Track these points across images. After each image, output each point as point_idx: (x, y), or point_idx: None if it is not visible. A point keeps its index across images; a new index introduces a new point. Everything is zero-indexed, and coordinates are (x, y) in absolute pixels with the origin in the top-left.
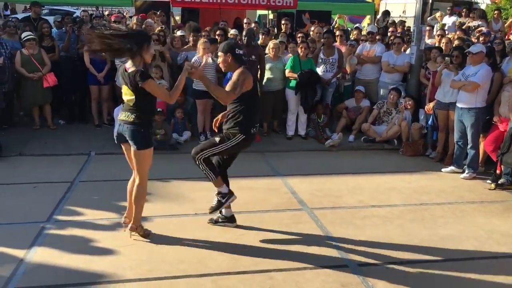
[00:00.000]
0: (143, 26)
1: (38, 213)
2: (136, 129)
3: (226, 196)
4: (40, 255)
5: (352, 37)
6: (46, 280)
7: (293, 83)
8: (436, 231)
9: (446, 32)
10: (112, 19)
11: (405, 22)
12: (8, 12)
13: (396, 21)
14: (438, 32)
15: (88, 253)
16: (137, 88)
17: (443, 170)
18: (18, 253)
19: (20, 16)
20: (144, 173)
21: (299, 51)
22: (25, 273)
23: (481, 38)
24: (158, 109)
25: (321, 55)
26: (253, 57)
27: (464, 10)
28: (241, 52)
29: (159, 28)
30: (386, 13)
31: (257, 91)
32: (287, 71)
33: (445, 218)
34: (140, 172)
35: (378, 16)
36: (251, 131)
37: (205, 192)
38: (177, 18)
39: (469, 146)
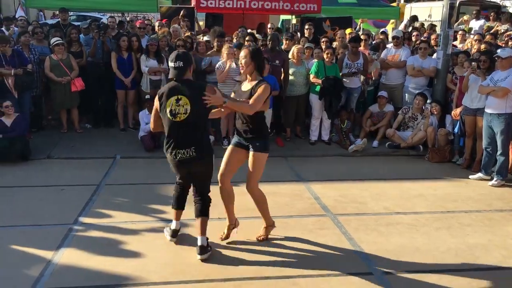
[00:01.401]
0: (171, 30)
1: (65, 215)
2: None
3: None
4: (67, 256)
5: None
6: (73, 281)
7: (317, 88)
8: (463, 240)
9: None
10: (137, 25)
11: (435, 26)
12: (43, 19)
13: (425, 25)
14: (475, 37)
15: (114, 255)
16: None
17: (470, 177)
18: (46, 254)
19: (49, 22)
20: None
21: (325, 56)
22: (53, 274)
23: (510, 42)
24: None
25: (346, 60)
26: (277, 61)
27: (492, 14)
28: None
29: (187, 34)
30: (414, 18)
31: None
32: (311, 77)
33: (473, 226)
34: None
35: (405, 22)
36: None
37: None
38: (201, 23)
39: (498, 153)
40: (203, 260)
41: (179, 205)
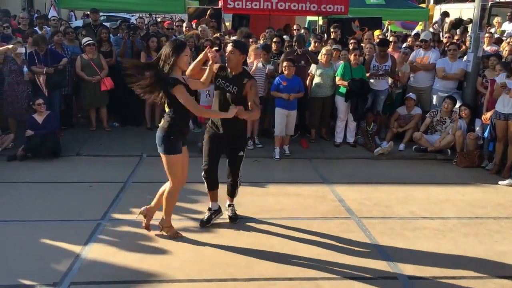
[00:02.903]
0: (199, 30)
1: (93, 211)
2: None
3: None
4: (95, 251)
5: (407, 43)
6: (100, 276)
7: (343, 89)
8: (492, 247)
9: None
10: (166, 26)
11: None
12: (74, 19)
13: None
14: (508, 40)
15: (140, 252)
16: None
17: (500, 183)
18: (75, 248)
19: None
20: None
21: (351, 58)
22: (81, 268)
23: None
24: None
25: (374, 62)
26: (302, 62)
27: None
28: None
29: (216, 35)
30: (445, 14)
31: None
32: (337, 79)
33: (502, 233)
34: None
35: (436, 19)
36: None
37: (251, 197)
38: (228, 24)
39: None
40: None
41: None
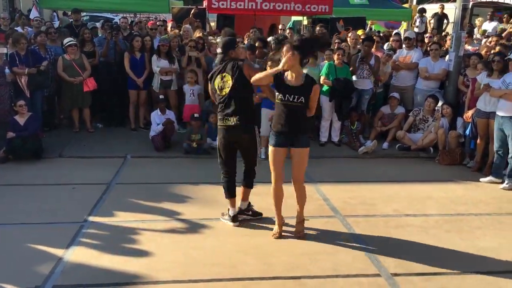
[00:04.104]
0: (181, 31)
1: (76, 213)
2: None
3: None
4: (77, 254)
5: (390, 44)
6: (83, 279)
7: (326, 89)
8: (473, 243)
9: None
10: (149, 26)
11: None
12: (56, 19)
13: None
14: (489, 39)
15: (124, 254)
16: None
17: (481, 180)
18: (57, 251)
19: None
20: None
21: (335, 58)
22: (63, 271)
23: None
24: (195, 115)
25: (359, 60)
26: None
27: (505, 16)
28: None
29: (200, 34)
30: (422, 10)
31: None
32: (322, 78)
33: (483, 229)
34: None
35: (415, 17)
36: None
37: (237, 196)
38: (212, 24)
39: (510, 156)
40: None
41: (232, 194)
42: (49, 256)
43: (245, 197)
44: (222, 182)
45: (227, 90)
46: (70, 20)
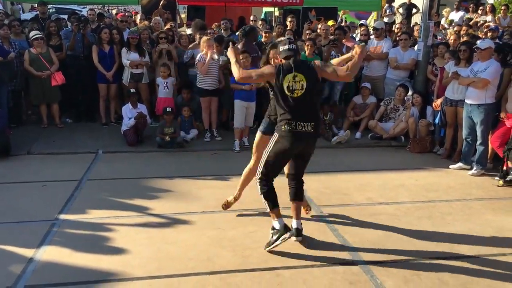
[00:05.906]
0: (151, 23)
1: (47, 211)
2: None
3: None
4: (49, 253)
5: (358, 35)
6: (56, 278)
7: None
8: (444, 229)
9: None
10: (119, 18)
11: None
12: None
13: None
14: (455, 29)
15: (97, 252)
16: None
17: (451, 167)
18: (28, 251)
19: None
20: None
21: (305, 48)
22: (35, 271)
23: (489, 34)
24: (168, 109)
25: (332, 52)
26: (259, 53)
27: (471, 5)
28: None
29: (168, 26)
30: (390, 1)
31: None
32: None
33: (453, 215)
34: None
35: (385, 7)
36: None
37: (212, 190)
38: (183, 16)
39: (478, 143)
40: (300, 241)
41: (276, 203)
42: (20, 256)
43: (298, 214)
44: (264, 192)
45: (299, 92)
46: (36, 12)
